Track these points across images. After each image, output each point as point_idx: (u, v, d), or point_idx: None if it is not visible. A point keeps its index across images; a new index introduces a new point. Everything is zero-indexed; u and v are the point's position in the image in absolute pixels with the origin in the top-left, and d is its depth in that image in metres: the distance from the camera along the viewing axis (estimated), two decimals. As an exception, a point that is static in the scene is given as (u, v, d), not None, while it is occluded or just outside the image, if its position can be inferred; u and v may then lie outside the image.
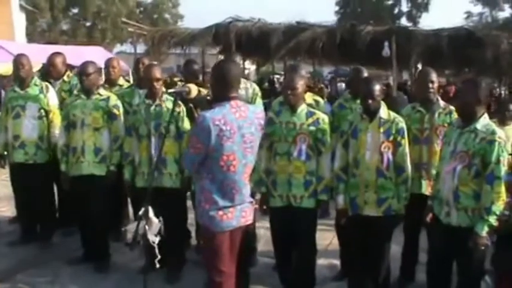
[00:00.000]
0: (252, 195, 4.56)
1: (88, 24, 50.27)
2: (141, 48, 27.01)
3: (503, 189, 4.35)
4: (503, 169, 4.35)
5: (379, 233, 5.05)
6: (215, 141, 3.91)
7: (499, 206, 4.34)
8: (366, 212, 5.01)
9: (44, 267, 6.21)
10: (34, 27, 45.37)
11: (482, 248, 4.40)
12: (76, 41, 40.99)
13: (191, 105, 4.30)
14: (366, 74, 5.90)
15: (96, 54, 17.03)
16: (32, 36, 41.63)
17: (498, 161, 4.30)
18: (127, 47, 20.70)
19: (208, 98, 3.99)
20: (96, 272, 6.05)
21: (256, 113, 4.21)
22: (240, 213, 4.16)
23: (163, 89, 5.70)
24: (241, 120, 4.02)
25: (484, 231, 4.31)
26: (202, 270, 4.47)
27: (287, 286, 5.53)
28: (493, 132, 4.35)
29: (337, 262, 6.06)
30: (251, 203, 4.30)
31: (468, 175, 4.39)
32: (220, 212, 4.05)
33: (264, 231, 6.21)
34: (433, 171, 5.12)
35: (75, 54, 14.23)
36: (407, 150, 5.00)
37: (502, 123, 7.63)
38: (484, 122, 4.43)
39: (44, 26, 47.84)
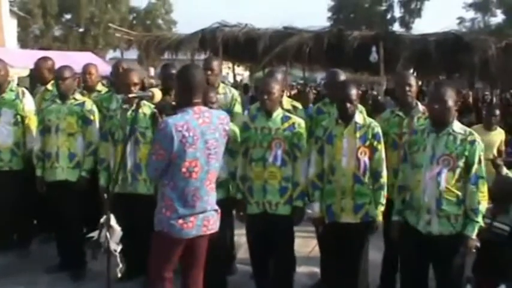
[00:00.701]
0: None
1: (81, 30, 50.24)
2: (134, 54, 27.02)
3: (486, 188, 4.41)
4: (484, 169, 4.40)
5: (356, 240, 4.95)
6: (178, 147, 3.84)
7: (484, 206, 4.39)
8: (342, 220, 4.91)
9: (21, 275, 6.08)
10: (26, 33, 45.33)
11: (474, 250, 4.43)
12: (69, 47, 40.98)
13: (155, 110, 4.20)
14: (342, 77, 5.78)
15: (86, 60, 16.90)
16: (24, 42, 41.61)
17: (480, 161, 4.38)
18: (119, 53, 20.71)
19: (173, 103, 3.89)
20: (73, 280, 5.95)
21: (220, 118, 4.13)
22: (202, 221, 4.08)
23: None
24: (204, 126, 3.95)
25: (475, 234, 4.34)
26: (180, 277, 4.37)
27: (264, 295, 5.43)
28: (472, 133, 4.41)
29: (317, 270, 5.92)
30: (216, 211, 4.21)
31: (452, 179, 4.37)
32: (181, 221, 3.98)
33: (244, 238, 6.10)
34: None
35: (65, 60, 14.16)
36: (383, 155, 4.91)
37: (488, 128, 7.64)
38: (458, 124, 4.46)
39: (36, 32, 47.80)
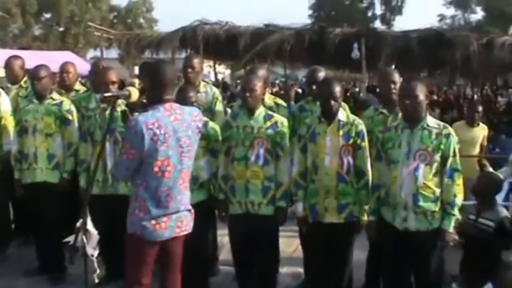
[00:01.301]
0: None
1: (61, 29, 49.81)
2: (114, 53, 26.83)
3: (462, 181, 4.42)
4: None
5: (340, 240, 4.87)
6: (149, 146, 3.74)
7: (460, 199, 4.41)
8: (326, 219, 4.82)
9: (-1, 279, 6.00)
10: (5, 32, 44.88)
11: (452, 244, 4.46)
12: (49, 46, 40.61)
13: (126, 108, 4.08)
14: (323, 74, 5.68)
15: (66, 60, 16.71)
16: (3, 41, 41.18)
17: (455, 154, 4.40)
18: (100, 52, 20.50)
19: (144, 101, 3.78)
20: (52, 284, 5.86)
21: (193, 115, 4.04)
22: (175, 223, 4.00)
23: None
24: (176, 124, 3.86)
25: (452, 227, 4.36)
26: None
27: (247, 296, 5.35)
28: (446, 127, 4.44)
29: (301, 270, 5.86)
30: (189, 212, 4.12)
31: (429, 173, 4.36)
32: (153, 222, 3.89)
33: (226, 239, 6.02)
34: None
35: (44, 59, 13.99)
36: (367, 153, 4.83)
37: (471, 124, 7.66)
38: (431, 118, 4.46)
39: (15, 32, 47.32)
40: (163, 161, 3.81)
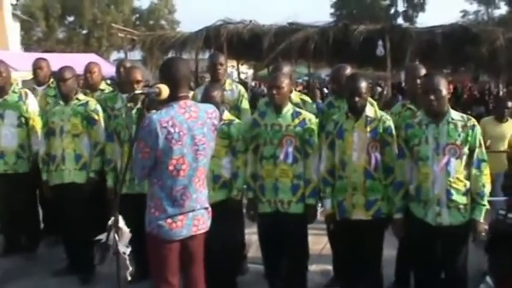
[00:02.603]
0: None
1: (84, 32, 50.22)
2: (137, 55, 26.94)
3: (489, 171, 4.46)
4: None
5: (369, 237, 4.80)
6: (163, 145, 3.71)
7: (488, 188, 4.44)
8: (354, 216, 4.78)
9: (29, 278, 6.05)
10: (30, 36, 45.36)
11: (483, 234, 4.50)
12: (72, 49, 40.95)
13: (141, 106, 4.05)
14: (349, 71, 5.63)
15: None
16: (28, 45, 41.61)
17: (480, 144, 4.43)
18: (123, 54, 20.61)
19: (160, 98, 3.73)
20: (81, 283, 5.88)
21: (208, 112, 3.98)
22: (192, 221, 3.95)
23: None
24: (191, 121, 3.81)
25: (482, 217, 4.39)
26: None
27: (277, 294, 5.33)
28: (469, 118, 4.47)
29: (330, 268, 5.84)
30: (206, 210, 4.08)
31: (460, 166, 4.37)
32: (169, 220, 3.85)
33: (255, 237, 6.00)
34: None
35: (69, 62, 14.09)
36: (395, 149, 4.76)
37: (500, 120, 7.62)
38: (454, 111, 4.47)
39: (39, 35, 47.81)
40: (178, 160, 3.77)
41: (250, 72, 36.46)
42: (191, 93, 6.39)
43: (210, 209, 4.12)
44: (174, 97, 3.79)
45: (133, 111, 5.39)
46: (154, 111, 3.78)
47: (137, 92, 4.05)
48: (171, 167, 3.78)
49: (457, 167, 4.35)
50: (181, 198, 3.86)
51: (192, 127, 3.80)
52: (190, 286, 4.15)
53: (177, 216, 3.86)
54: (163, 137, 3.69)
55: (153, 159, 3.78)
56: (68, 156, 5.81)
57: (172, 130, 3.70)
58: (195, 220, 3.96)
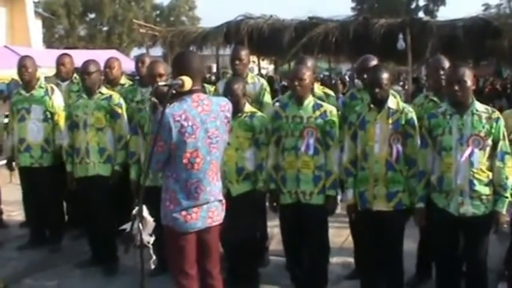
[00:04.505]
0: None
1: (105, 28, 50.50)
2: (158, 51, 27.00)
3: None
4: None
5: (390, 228, 4.80)
6: (177, 138, 3.73)
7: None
8: (375, 207, 4.77)
9: (52, 270, 6.14)
10: (52, 33, 45.69)
11: (505, 226, 4.51)
12: (94, 45, 41.17)
13: (155, 100, 4.07)
14: (375, 62, 5.64)
15: (111, 57, 16.89)
16: (50, 42, 41.91)
17: (504, 137, 4.43)
18: (144, 51, 20.59)
19: (174, 92, 3.74)
20: (105, 274, 5.95)
21: (221, 105, 3.99)
22: (207, 213, 3.97)
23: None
24: (204, 115, 3.83)
25: (505, 209, 4.39)
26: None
27: (298, 286, 5.36)
28: (494, 111, 4.45)
29: (351, 260, 5.85)
30: (220, 202, 4.10)
31: (483, 158, 4.37)
32: (184, 213, 3.88)
33: (277, 229, 6.04)
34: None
35: (90, 58, 14.12)
36: (418, 141, 4.76)
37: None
38: (478, 103, 4.46)
39: (61, 32, 48.15)
40: (192, 153, 3.79)
41: (271, 67, 36.42)
42: (212, 88, 6.46)
43: (224, 201, 4.15)
44: (186, 91, 3.80)
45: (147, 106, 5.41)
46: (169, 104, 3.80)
47: (160, 83, 4.07)
48: (185, 160, 3.80)
49: (480, 158, 4.35)
50: (195, 191, 3.88)
51: (205, 120, 3.82)
52: (205, 279, 4.16)
53: (191, 209, 3.89)
54: (177, 131, 3.71)
55: (167, 153, 3.80)
56: (92, 150, 5.88)
57: (185, 124, 3.73)
58: (209, 212, 3.98)
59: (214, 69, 27.77)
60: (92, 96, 5.93)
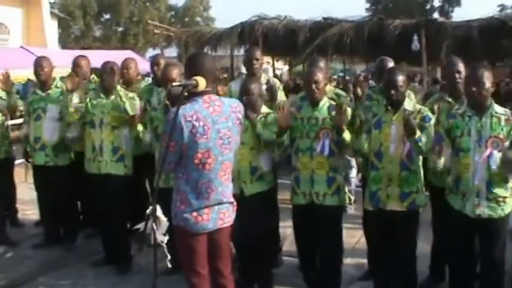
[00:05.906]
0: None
1: (120, 29, 50.70)
2: (173, 52, 27.10)
3: None
4: None
5: (403, 228, 4.78)
6: (188, 138, 3.74)
7: None
8: (389, 207, 4.76)
9: (66, 269, 6.17)
10: (67, 34, 45.92)
11: None
12: (109, 46, 41.34)
13: (167, 102, 4.09)
14: (391, 64, 5.64)
15: (126, 58, 16.97)
16: (65, 43, 42.14)
17: None
18: (159, 51, 20.69)
19: (186, 94, 3.75)
20: (119, 273, 5.97)
21: (232, 106, 3.99)
22: (217, 214, 3.96)
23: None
24: (215, 115, 3.83)
25: None
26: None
27: (312, 286, 5.36)
28: None
29: (364, 261, 5.86)
30: (231, 204, 4.09)
31: (500, 160, 4.34)
32: (195, 214, 3.88)
33: (290, 230, 6.05)
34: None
35: (106, 58, 14.21)
36: (432, 133, 4.67)
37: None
38: (496, 105, 4.45)
39: (77, 33, 48.38)
40: (203, 153, 3.79)
41: (286, 68, 36.40)
42: (225, 88, 6.47)
43: (235, 203, 4.14)
44: (198, 91, 3.80)
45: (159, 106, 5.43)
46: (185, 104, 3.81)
47: (175, 84, 4.09)
48: (196, 161, 3.81)
49: (499, 160, 4.33)
50: (206, 192, 3.88)
51: (217, 121, 3.83)
52: (217, 278, 4.15)
53: (202, 210, 3.89)
54: (188, 131, 3.72)
55: (179, 153, 3.81)
56: (106, 148, 5.91)
57: (196, 124, 3.73)
58: (220, 213, 3.98)
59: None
60: (109, 96, 5.97)
